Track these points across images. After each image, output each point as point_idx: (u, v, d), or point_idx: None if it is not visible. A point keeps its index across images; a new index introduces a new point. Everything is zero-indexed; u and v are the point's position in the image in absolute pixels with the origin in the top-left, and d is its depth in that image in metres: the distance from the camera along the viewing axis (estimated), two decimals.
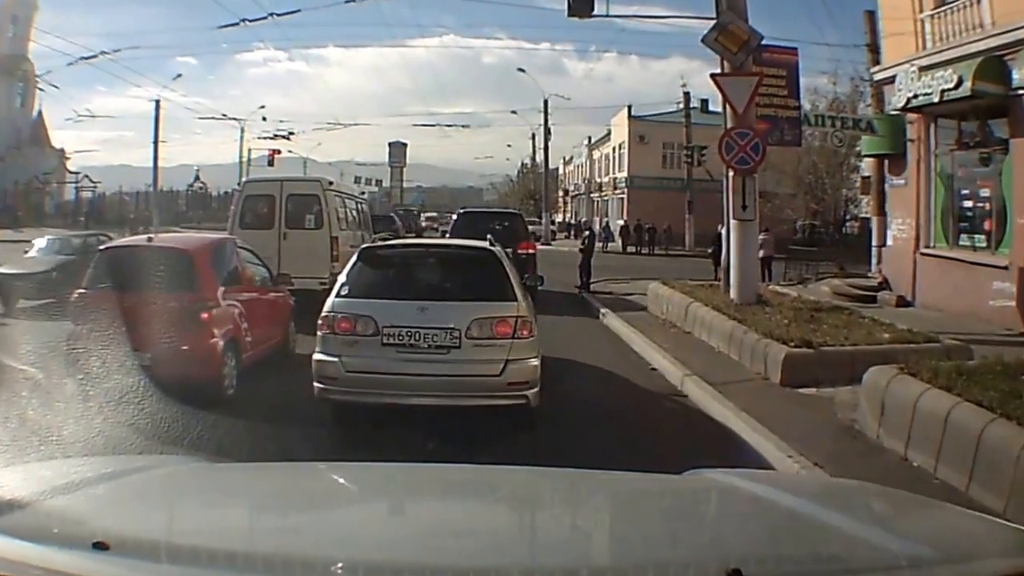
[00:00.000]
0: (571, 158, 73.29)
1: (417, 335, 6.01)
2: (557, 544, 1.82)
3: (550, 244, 44.99)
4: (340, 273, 12.19)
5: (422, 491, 2.24)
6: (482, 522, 1.98)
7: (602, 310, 13.69)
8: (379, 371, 5.99)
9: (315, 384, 6.17)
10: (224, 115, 43.49)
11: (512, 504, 2.19)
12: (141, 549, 1.52)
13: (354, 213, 17.51)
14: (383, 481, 2.35)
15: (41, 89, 49.55)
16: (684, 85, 50.78)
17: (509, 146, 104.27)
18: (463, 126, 49.18)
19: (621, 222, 44.20)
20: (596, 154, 61.11)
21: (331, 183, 16.20)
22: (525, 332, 6.15)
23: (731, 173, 11.27)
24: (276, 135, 43.19)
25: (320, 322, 6.27)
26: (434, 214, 77.70)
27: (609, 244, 40.11)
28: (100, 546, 1.45)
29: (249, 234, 13.17)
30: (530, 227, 50.17)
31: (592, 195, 61.93)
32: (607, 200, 54.78)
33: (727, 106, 11.33)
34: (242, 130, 52.56)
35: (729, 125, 11.30)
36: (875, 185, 24.05)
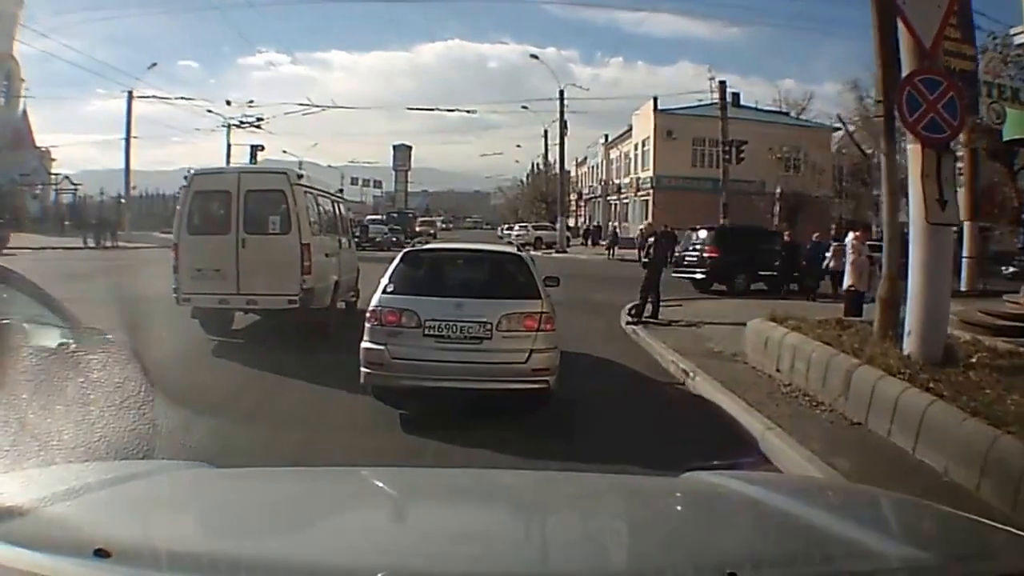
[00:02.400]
0: (584, 159, 68.74)
1: (454, 327, 6.84)
2: (555, 548, 1.82)
3: (566, 252, 40.45)
4: (312, 289, 11.16)
5: (424, 496, 2.22)
6: (480, 526, 1.95)
7: (681, 364, 8.91)
8: (420, 358, 6.79)
9: (362, 369, 6.91)
10: (190, 98, 36.90)
11: (510, 508, 2.17)
12: (143, 556, 1.49)
13: (330, 214, 13.87)
14: (386, 486, 2.34)
15: (27, 88, 47.04)
16: (713, 77, 46.63)
17: (519, 146, 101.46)
18: (467, 111, 42.54)
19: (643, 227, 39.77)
20: (614, 153, 56.61)
21: (300, 176, 12.50)
22: (548, 326, 6.98)
23: (914, 146, 6.79)
24: (243, 123, 36.81)
25: (368, 315, 7.09)
26: (437, 219, 73.36)
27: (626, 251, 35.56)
28: (101, 553, 1.44)
29: (199, 240, 11.05)
30: (542, 233, 45.96)
31: (609, 198, 57.43)
32: (627, 203, 50.27)
33: (906, 38, 6.87)
34: (228, 127, 48.09)
35: (908, 69, 6.84)
36: (968, 181, 19.62)
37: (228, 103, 36.54)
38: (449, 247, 10.34)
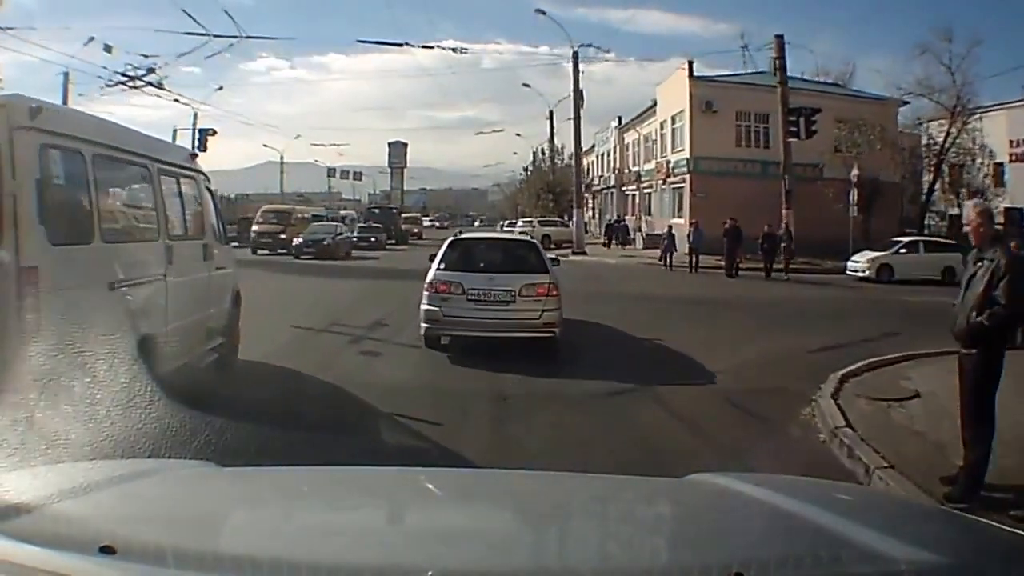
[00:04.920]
0: (592, 146, 60.54)
1: (488, 293, 9.56)
2: (561, 549, 1.84)
3: (584, 253, 32.38)
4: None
5: (427, 496, 2.22)
6: (485, 526, 1.96)
7: None
8: (464, 316, 9.49)
9: (422, 324, 9.67)
10: (141, 78, 26.59)
11: (516, 509, 2.14)
12: (147, 553, 1.49)
13: (146, 200, 7.00)
14: (389, 486, 2.33)
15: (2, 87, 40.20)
16: (746, 45, 38.87)
17: (518, 135, 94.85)
18: (454, 50, 29.44)
19: (680, 221, 31.83)
20: (630, 137, 48.63)
21: (38, 111, 4.97)
22: (554, 292, 9.72)
23: None
24: (128, 76, 26.18)
25: (426, 285, 9.74)
26: (421, 216, 66.08)
27: (669, 254, 27.53)
28: (107, 550, 1.45)
29: None
30: (551, 230, 37.81)
31: (625, 188, 49.48)
32: (649, 193, 42.27)
33: None
34: (195, 115, 39.60)
35: None
36: None
37: (108, 49, 25.33)
38: (483, 236, 14.09)
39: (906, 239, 26.21)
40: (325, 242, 29.61)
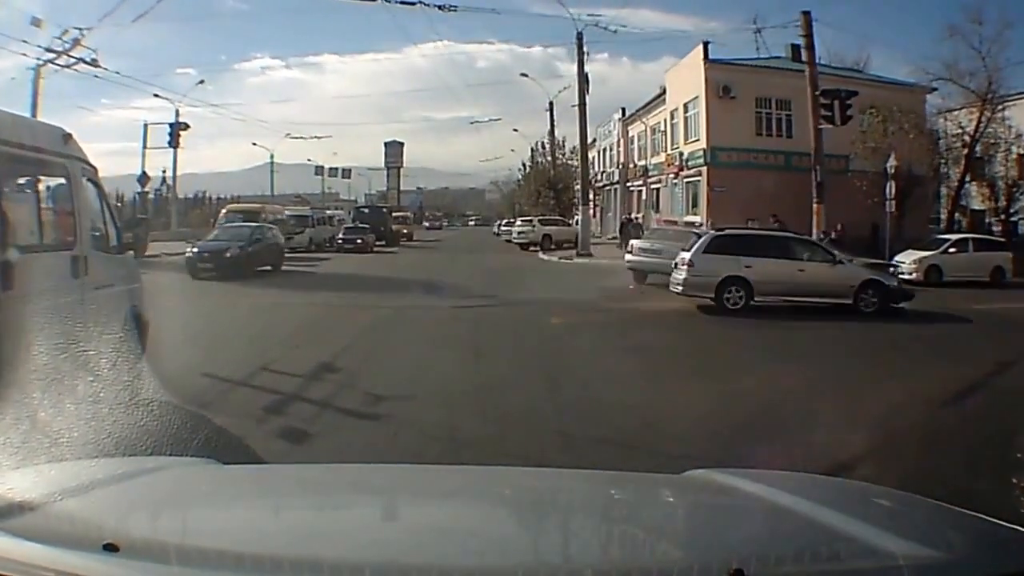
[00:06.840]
0: (593, 140, 57.68)
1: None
2: (560, 545, 1.84)
3: (591, 255, 29.58)
4: None
5: (426, 492, 2.21)
6: (485, 523, 1.96)
7: None
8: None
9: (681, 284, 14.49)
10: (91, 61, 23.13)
11: (515, 505, 2.14)
12: (151, 550, 1.48)
13: None
14: (389, 482, 2.34)
15: None
16: (759, 29, 36.02)
17: (515, 130, 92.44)
18: (439, 5, 26.39)
19: (695, 218, 29.18)
20: (635, 129, 45.96)
21: None
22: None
23: None
24: (56, 52, 21.93)
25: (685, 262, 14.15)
26: (412, 216, 63.88)
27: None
28: (110, 547, 1.43)
29: None
30: (552, 230, 34.97)
31: (630, 184, 46.76)
32: (657, 188, 39.62)
33: None
34: (177, 111, 36.71)
35: None
36: None
37: (36, 22, 21.85)
38: (758, 233, 16.81)
39: (954, 237, 23.87)
40: (228, 253, 19.97)
